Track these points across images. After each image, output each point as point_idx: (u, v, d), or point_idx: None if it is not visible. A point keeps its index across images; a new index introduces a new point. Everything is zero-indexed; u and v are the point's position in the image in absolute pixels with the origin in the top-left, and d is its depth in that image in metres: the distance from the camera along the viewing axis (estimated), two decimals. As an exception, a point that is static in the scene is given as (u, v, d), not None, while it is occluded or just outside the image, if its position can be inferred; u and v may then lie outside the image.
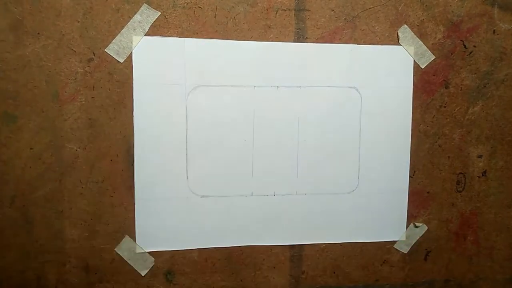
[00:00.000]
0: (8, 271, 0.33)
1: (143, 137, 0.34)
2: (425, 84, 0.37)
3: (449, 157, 0.38)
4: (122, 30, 0.33)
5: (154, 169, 0.34)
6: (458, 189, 0.39)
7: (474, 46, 0.37)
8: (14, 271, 0.33)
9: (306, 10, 0.35)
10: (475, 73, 0.38)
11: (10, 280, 0.33)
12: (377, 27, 0.36)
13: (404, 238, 0.38)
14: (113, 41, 0.33)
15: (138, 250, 0.35)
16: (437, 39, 0.37)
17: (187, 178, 0.35)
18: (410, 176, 0.38)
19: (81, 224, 0.34)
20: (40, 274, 0.34)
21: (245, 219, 0.36)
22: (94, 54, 0.33)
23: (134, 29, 0.33)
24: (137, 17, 0.33)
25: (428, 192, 0.38)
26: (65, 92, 0.33)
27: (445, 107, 0.38)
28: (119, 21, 0.33)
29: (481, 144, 0.38)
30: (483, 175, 0.39)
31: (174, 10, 0.33)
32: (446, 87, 0.37)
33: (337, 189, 0.37)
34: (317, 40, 0.35)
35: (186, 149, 0.35)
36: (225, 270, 0.36)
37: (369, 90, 0.36)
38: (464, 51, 0.37)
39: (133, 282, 0.35)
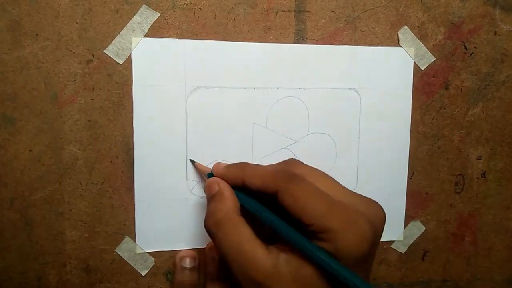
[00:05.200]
0: (8, 272, 0.33)
1: (143, 138, 0.34)
2: (425, 85, 0.37)
3: (448, 158, 0.38)
4: (121, 31, 0.32)
5: (154, 171, 0.34)
6: (457, 190, 0.39)
7: (475, 48, 0.37)
8: (14, 273, 0.33)
9: (306, 11, 0.35)
10: (476, 75, 0.38)
11: (10, 281, 0.33)
12: (378, 28, 0.36)
13: (401, 238, 0.38)
14: (112, 42, 0.32)
15: (138, 251, 0.35)
16: (437, 41, 0.37)
17: (186, 179, 0.35)
18: (408, 177, 0.38)
19: (81, 225, 0.34)
20: (40, 275, 0.34)
21: (244, 220, 0.36)
22: (93, 55, 0.32)
23: (134, 30, 0.33)
24: (136, 18, 0.32)
25: (426, 193, 0.38)
26: (64, 93, 0.32)
27: (445, 108, 0.38)
28: (118, 22, 0.32)
29: (481, 146, 0.38)
30: (482, 177, 0.39)
31: (174, 11, 0.33)
32: (446, 89, 0.37)
33: (336, 190, 0.37)
34: (317, 42, 0.35)
35: (186, 150, 0.35)
36: (224, 270, 0.37)
37: (368, 92, 0.36)
38: (465, 53, 0.37)
39: (134, 282, 0.35)
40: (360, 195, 0.28)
